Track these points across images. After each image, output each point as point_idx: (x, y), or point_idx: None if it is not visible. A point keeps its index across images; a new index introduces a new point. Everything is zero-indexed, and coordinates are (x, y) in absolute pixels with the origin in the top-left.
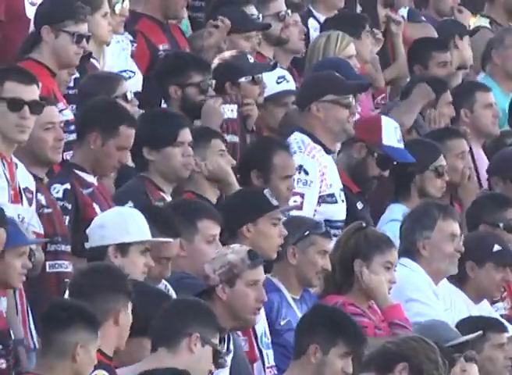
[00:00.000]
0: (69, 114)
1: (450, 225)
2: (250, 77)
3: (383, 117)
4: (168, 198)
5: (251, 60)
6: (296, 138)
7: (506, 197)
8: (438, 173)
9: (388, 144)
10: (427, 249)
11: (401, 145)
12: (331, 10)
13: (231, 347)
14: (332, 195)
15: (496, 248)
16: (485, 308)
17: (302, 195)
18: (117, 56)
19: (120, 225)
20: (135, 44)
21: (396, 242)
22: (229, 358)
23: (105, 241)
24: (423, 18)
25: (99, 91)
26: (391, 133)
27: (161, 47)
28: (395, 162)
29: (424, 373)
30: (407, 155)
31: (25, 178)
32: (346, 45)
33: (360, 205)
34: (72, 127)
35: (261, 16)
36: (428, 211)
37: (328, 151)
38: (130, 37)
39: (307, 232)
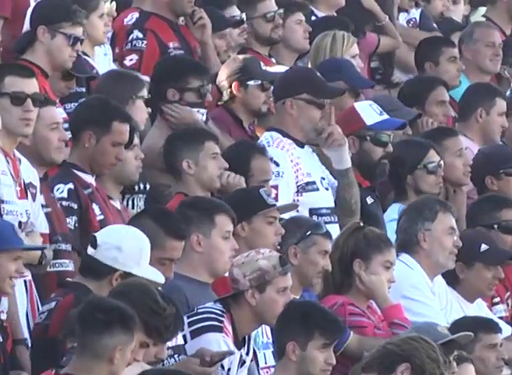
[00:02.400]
0: (61, 112)
1: (449, 219)
2: (259, 82)
3: (355, 103)
4: (117, 204)
5: (263, 67)
6: (265, 136)
7: (499, 198)
8: (428, 170)
9: (372, 122)
10: (427, 241)
11: (385, 116)
12: (331, 9)
13: (251, 348)
14: (312, 183)
15: (484, 247)
16: (480, 307)
17: (276, 187)
18: (102, 59)
19: (136, 255)
20: (145, 42)
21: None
22: (248, 359)
23: (116, 265)
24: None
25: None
26: (369, 112)
27: (171, 45)
28: (391, 135)
29: (426, 373)
30: (395, 121)
31: (29, 173)
32: (351, 44)
33: (370, 200)
34: (66, 125)
35: (244, 15)
36: (428, 204)
37: (300, 145)
38: (140, 35)
39: (309, 232)
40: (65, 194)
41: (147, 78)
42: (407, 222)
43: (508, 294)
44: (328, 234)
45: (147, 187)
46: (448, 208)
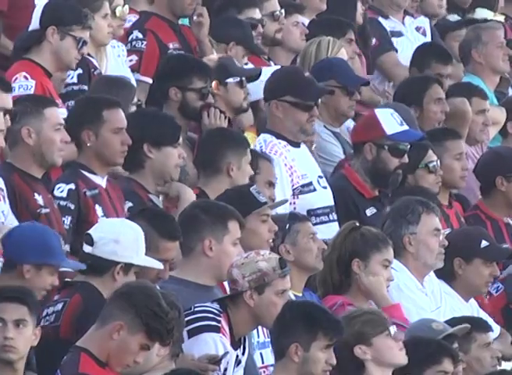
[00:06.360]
0: (64, 113)
1: (433, 219)
2: (238, 79)
3: (376, 110)
4: (157, 200)
5: (238, 64)
6: (259, 140)
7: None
8: (429, 169)
9: (392, 132)
10: (413, 244)
11: (405, 127)
12: (312, 14)
13: (246, 347)
14: (309, 184)
15: (484, 243)
16: (473, 307)
17: None
18: (114, 61)
19: (133, 245)
20: (144, 42)
21: None
22: (244, 359)
23: (116, 258)
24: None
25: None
26: (390, 121)
27: (171, 45)
28: (408, 146)
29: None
30: (415, 133)
31: None
32: (337, 50)
33: (370, 212)
34: None
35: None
36: (410, 206)
37: (294, 145)
38: (140, 36)
39: (287, 225)
40: (64, 194)
41: (148, 79)
42: (391, 226)
43: None
44: (305, 218)
45: None
46: (431, 209)
